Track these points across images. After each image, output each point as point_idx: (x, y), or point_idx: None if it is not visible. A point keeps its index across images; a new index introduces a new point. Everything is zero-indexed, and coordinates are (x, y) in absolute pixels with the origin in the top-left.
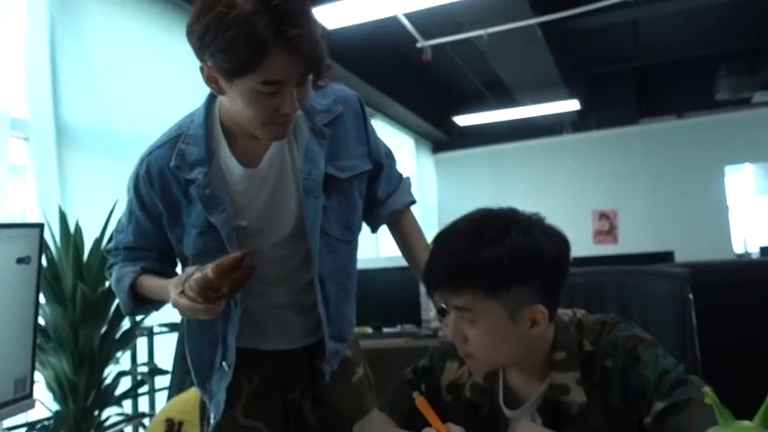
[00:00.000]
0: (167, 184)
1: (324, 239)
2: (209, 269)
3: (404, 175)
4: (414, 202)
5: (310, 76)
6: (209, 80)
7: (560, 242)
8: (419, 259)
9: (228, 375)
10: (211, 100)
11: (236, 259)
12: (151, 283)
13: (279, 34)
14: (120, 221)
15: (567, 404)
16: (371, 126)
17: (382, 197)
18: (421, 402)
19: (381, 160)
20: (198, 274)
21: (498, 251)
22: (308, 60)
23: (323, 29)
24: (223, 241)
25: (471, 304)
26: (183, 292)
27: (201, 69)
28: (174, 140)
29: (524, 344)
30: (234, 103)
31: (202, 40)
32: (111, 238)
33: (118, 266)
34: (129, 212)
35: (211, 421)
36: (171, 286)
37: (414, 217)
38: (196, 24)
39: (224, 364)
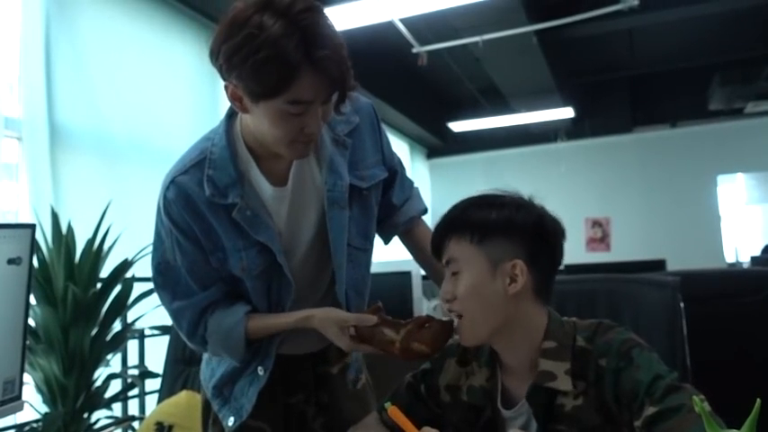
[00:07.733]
0: (198, 210)
1: (346, 249)
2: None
3: (414, 183)
4: (426, 210)
5: (335, 95)
6: (232, 98)
7: (552, 218)
8: (438, 270)
9: (262, 380)
10: (230, 119)
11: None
12: (265, 323)
13: (308, 56)
14: (158, 274)
15: (560, 404)
16: (385, 134)
17: (398, 204)
18: (393, 412)
19: (395, 167)
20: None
21: (489, 210)
22: (336, 80)
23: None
24: (275, 257)
25: (457, 252)
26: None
27: (226, 88)
28: (198, 166)
29: (504, 304)
30: (258, 123)
31: (230, 62)
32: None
33: (211, 321)
34: (174, 248)
35: (229, 424)
36: (329, 323)
37: (427, 226)
38: (223, 45)
39: (260, 368)
